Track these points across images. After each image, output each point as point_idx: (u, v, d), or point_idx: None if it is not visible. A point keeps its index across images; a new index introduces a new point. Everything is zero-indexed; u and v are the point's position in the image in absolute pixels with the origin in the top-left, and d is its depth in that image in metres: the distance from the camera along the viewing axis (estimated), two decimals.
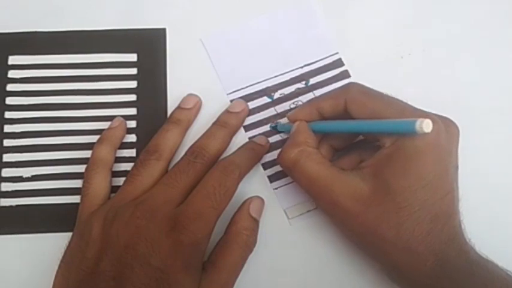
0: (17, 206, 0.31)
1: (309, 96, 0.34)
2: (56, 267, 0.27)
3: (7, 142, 0.32)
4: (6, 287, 0.30)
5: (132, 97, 0.33)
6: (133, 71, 0.34)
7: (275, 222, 0.31)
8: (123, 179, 0.30)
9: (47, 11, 0.35)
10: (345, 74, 0.34)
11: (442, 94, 0.33)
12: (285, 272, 0.31)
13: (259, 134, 0.33)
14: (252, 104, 0.33)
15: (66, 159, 0.32)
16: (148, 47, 0.34)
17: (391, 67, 0.34)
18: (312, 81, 0.34)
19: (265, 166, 0.32)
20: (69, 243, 0.28)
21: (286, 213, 0.31)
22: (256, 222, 0.29)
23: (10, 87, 0.33)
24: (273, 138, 0.33)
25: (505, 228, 0.31)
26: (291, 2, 0.35)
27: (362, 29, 0.35)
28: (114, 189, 0.30)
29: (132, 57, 0.34)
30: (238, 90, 0.34)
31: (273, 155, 0.33)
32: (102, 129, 0.32)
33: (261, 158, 0.32)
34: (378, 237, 0.25)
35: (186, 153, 0.30)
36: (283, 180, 0.32)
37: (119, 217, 0.27)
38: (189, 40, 0.35)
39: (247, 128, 0.33)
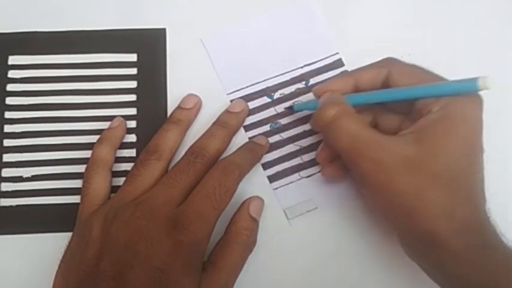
0: (17, 206, 0.31)
1: (309, 96, 0.34)
2: (56, 267, 0.27)
3: (7, 142, 0.32)
4: (6, 287, 0.30)
5: (132, 97, 0.33)
6: (133, 71, 0.34)
7: (275, 222, 0.31)
8: (123, 179, 0.30)
9: (47, 11, 0.35)
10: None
11: None
12: (285, 272, 0.31)
13: (259, 134, 0.33)
14: (252, 104, 0.33)
15: (66, 159, 0.32)
16: (148, 47, 0.34)
17: None
18: (312, 81, 0.34)
19: (265, 166, 0.32)
20: (69, 243, 0.28)
21: (286, 213, 0.32)
22: (256, 222, 0.29)
23: (10, 87, 0.33)
24: (273, 138, 0.33)
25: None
26: (291, 2, 0.35)
27: (362, 29, 0.35)
28: (114, 189, 0.30)
29: (132, 57, 0.34)
30: (238, 90, 0.34)
31: (273, 155, 0.33)
32: (102, 129, 0.32)
33: (261, 158, 0.32)
34: (421, 200, 0.24)
35: (186, 153, 0.30)
36: (283, 180, 0.32)
37: (119, 217, 0.27)
38: (189, 40, 0.35)
39: (247, 128, 0.33)
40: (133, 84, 0.34)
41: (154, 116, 0.33)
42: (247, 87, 0.34)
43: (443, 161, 0.24)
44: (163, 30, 0.35)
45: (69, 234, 0.29)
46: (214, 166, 0.29)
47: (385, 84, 0.28)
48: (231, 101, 0.33)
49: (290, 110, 0.33)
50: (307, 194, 0.32)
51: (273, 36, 0.35)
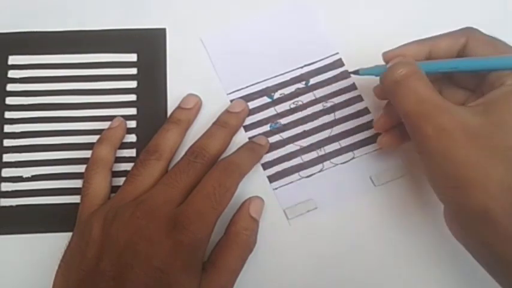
0: (17, 206, 0.31)
1: (309, 96, 0.34)
2: (56, 267, 0.27)
3: (7, 142, 0.32)
4: (6, 287, 0.30)
5: (132, 97, 0.33)
6: (133, 71, 0.34)
7: (275, 222, 0.31)
8: (123, 179, 0.30)
9: (46, 11, 0.35)
10: (345, 74, 0.34)
11: None
12: (284, 272, 0.31)
13: (259, 134, 0.33)
14: (252, 104, 0.33)
15: (66, 159, 0.32)
16: (148, 47, 0.34)
17: None
18: (312, 81, 0.34)
19: (265, 166, 0.32)
20: (69, 243, 0.28)
21: (285, 213, 0.32)
22: (256, 222, 0.29)
23: (10, 87, 0.33)
24: (273, 138, 0.33)
25: None
26: (291, 2, 0.35)
27: (362, 29, 0.35)
28: (114, 189, 0.30)
29: (132, 57, 0.34)
30: (238, 90, 0.34)
31: (273, 155, 0.33)
32: (102, 129, 0.32)
33: (261, 158, 0.32)
34: (480, 174, 0.24)
35: (186, 153, 0.30)
36: (283, 180, 0.32)
37: (119, 217, 0.27)
38: (189, 40, 0.35)
39: (247, 128, 0.33)
40: (133, 84, 0.34)
41: (154, 116, 0.33)
42: (247, 87, 0.34)
43: (509, 137, 0.23)
44: (163, 30, 0.35)
45: (69, 234, 0.29)
46: (214, 166, 0.29)
47: (461, 54, 0.27)
48: (231, 101, 0.33)
49: (355, 73, 0.31)
50: (307, 194, 0.32)
51: (273, 36, 0.35)
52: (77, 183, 0.31)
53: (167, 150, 0.30)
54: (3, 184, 0.32)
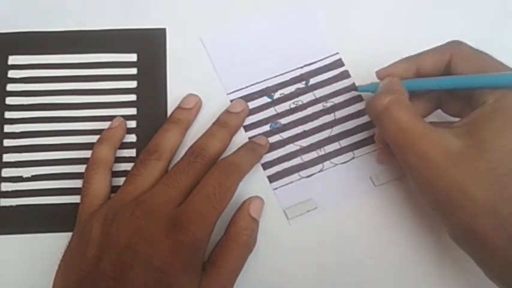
0: (17, 206, 0.31)
1: (309, 96, 0.34)
2: (56, 267, 0.27)
3: (7, 142, 0.32)
4: (6, 287, 0.30)
5: (132, 97, 0.33)
6: (133, 71, 0.34)
7: (275, 223, 0.31)
8: (123, 179, 0.30)
9: (46, 11, 0.35)
10: (345, 74, 0.34)
11: None
12: (284, 272, 0.31)
13: (259, 134, 0.33)
14: (252, 104, 0.33)
15: (66, 159, 0.32)
16: (148, 47, 0.34)
17: None
18: (312, 81, 0.34)
19: (265, 166, 0.32)
20: (69, 243, 0.28)
21: (285, 213, 0.32)
22: (256, 222, 0.29)
23: (10, 87, 0.33)
24: (273, 138, 0.33)
25: None
26: (291, 2, 0.35)
27: (362, 29, 0.35)
28: (114, 189, 0.30)
29: (132, 57, 0.34)
30: (238, 90, 0.34)
31: (273, 155, 0.33)
32: (102, 129, 0.32)
33: (261, 158, 0.32)
34: (464, 196, 0.24)
35: (186, 153, 0.30)
36: (283, 180, 0.32)
37: (119, 217, 0.27)
38: (189, 40, 0.35)
39: (247, 128, 0.33)
40: (133, 84, 0.34)
41: (154, 116, 0.33)
42: (247, 87, 0.34)
43: (492, 157, 0.24)
44: (163, 30, 0.35)
45: (69, 234, 0.29)
46: (214, 166, 0.29)
47: (447, 70, 0.27)
48: (231, 101, 0.33)
49: (355, 91, 0.32)
50: (307, 194, 0.32)
51: (273, 36, 0.35)
52: (77, 183, 0.31)
53: (167, 150, 0.30)
54: (3, 184, 0.32)
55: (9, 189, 0.32)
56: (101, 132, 0.32)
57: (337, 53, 0.35)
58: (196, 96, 0.33)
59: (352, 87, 0.33)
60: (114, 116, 0.33)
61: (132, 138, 0.33)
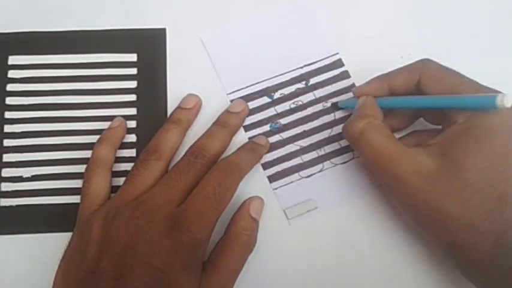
0: (17, 206, 0.31)
1: (309, 96, 0.34)
2: (56, 267, 0.27)
3: (7, 142, 0.32)
4: (6, 287, 0.30)
5: (132, 97, 0.33)
6: (133, 71, 0.34)
7: (275, 223, 0.31)
8: (123, 179, 0.30)
9: (47, 11, 0.35)
10: (345, 75, 0.34)
11: None
12: (284, 272, 0.31)
13: (259, 134, 0.33)
14: (252, 104, 0.33)
15: (66, 159, 0.32)
16: (148, 47, 0.34)
17: (391, 67, 0.34)
18: (312, 81, 0.34)
19: (265, 166, 0.32)
20: (69, 243, 0.28)
21: (285, 213, 0.32)
22: (256, 222, 0.29)
23: (10, 87, 0.33)
24: (273, 138, 0.33)
25: None
26: (291, 2, 0.35)
27: (362, 29, 0.35)
28: (114, 189, 0.30)
29: (132, 57, 0.34)
30: (238, 90, 0.34)
31: (273, 155, 0.33)
32: (102, 129, 0.32)
33: (261, 158, 0.32)
34: (441, 214, 0.25)
35: (186, 153, 0.30)
36: (283, 180, 0.32)
37: (119, 217, 0.27)
38: (189, 40, 0.35)
39: (247, 128, 0.33)
40: (133, 84, 0.34)
41: (154, 116, 0.33)
42: (247, 87, 0.34)
43: (465, 176, 0.24)
44: (163, 30, 0.35)
45: (69, 234, 0.29)
46: (214, 166, 0.29)
47: (418, 88, 0.28)
48: (231, 101, 0.33)
49: (335, 107, 0.33)
50: (307, 194, 0.32)
51: (273, 36, 0.35)
52: (77, 183, 0.31)
53: (167, 150, 0.30)
54: (3, 184, 0.32)
55: (9, 189, 0.32)
56: (101, 132, 0.32)
57: (337, 53, 0.35)
58: (196, 96, 0.33)
59: (352, 88, 0.33)
60: (114, 116, 0.33)
61: (132, 138, 0.33)
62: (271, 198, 0.32)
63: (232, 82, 0.34)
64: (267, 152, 0.33)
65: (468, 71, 0.35)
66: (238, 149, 0.31)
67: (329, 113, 0.33)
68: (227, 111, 0.33)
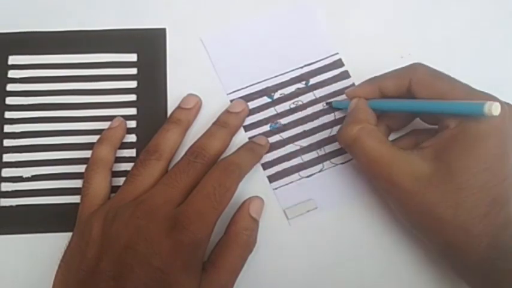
0: (17, 206, 0.31)
1: (309, 96, 0.34)
2: (56, 267, 0.27)
3: (7, 142, 0.32)
4: (6, 287, 0.30)
5: (132, 97, 0.33)
6: (133, 71, 0.34)
7: (275, 223, 0.31)
8: (123, 179, 0.30)
9: (47, 11, 0.35)
10: (345, 75, 0.34)
11: None
12: (284, 272, 0.31)
13: (259, 134, 0.33)
14: (252, 104, 0.33)
15: (66, 159, 0.32)
16: (148, 47, 0.34)
17: (391, 67, 0.34)
18: (312, 81, 0.34)
19: (265, 166, 0.32)
20: (69, 243, 0.28)
21: (285, 213, 0.32)
22: (256, 222, 0.29)
23: (10, 87, 0.33)
24: (273, 138, 0.33)
25: None
26: (291, 2, 0.35)
27: (362, 29, 0.35)
28: (114, 189, 0.30)
29: (132, 57, 0.34)
30: (238, 90, 0.34)
31: (273, 155, 0.33)
32: (102, 129, 0.32)
33: (261, 158, 0.32)
34: (435, 217, 0.25)
35: (186, 153, 0.30)
36: (283, 180, 0.32)
37: (119, 217, 0.27)
38: (189, 40, 0.35)
39: (247, 128, 0.33)
40: (133, 84, 0.34)
41: (154, 116, 0.33)
42: (247, 87, 0.34)
43: (459, 179, 0.25)
44: (163, 30, 0.35)
45: (69, 234, 0.29)
46: (214, 166, 0.29)
47: (409, 92, 0.28)
48: (231, 101, 0.33)
49: (330, 106, 0.33)
50: (307, 194, 0.32)
51: (273, 36, 0.35)
52: (77, 183, 0.31)
53: (167, 150, 0.30)
54: (3, 184, 0.32)
55: (9, 189, 0.32)
56: (101, 132, 0.32)
57: (337, 53, 0.35)
58: (196, 96, 0.33)
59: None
60: (114, 116, 0.33)
61: (132, 138, 0.33)
62: (271, 198, 0.32)
63: (232, 82, 0.34)
64: (267, 152, 0.33)
65: (468, 71, 0.35)
66: (238, 149, 0.31)
67: (329, 113, 0.33)
68: (227, 111, 0.33)
